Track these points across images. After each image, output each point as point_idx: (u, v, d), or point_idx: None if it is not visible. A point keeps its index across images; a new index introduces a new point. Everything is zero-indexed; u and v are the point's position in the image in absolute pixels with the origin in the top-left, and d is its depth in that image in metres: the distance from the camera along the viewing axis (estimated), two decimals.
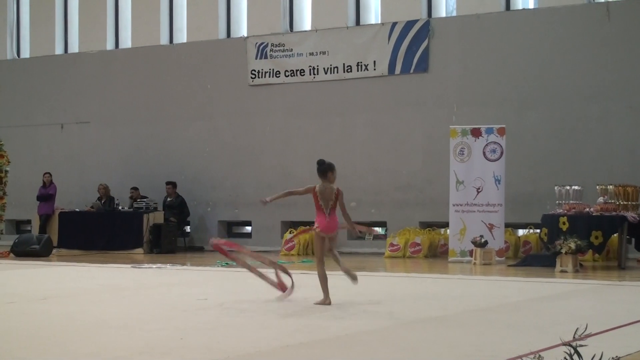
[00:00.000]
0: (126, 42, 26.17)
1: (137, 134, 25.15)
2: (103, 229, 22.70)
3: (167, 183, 23.71)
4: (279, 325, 8.74)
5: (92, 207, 23.70)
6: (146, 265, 17.53)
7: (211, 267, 17.41)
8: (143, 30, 25.71)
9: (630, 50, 19.92)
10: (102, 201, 23.69)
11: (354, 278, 10.72)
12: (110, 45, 26.25)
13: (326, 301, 10.40)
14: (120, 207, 23.38)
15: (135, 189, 23.97)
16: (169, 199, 23.66)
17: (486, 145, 18.74)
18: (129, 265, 17.63)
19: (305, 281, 14.19)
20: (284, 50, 23.37)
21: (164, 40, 25.53)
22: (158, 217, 22.73)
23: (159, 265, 17.54)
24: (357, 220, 22.06)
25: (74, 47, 26.94)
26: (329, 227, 10.65)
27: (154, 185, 23.98)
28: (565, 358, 4.77)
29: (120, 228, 22.61)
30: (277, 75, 23.42)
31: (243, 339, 7.84)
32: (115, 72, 25.66)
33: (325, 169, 10.77)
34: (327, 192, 10.66)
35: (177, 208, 23.44)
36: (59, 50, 27.06)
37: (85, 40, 26.52)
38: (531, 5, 21.53)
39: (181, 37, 25.47)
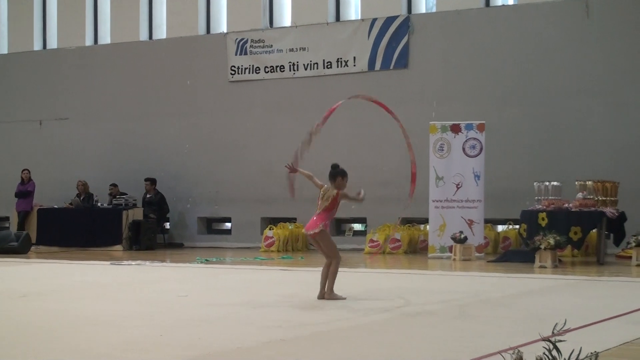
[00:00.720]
0: (105, 38, 26.09)
1: (117, 130, 25.08)
2: (82, 226, 22.64)
3: (146, 179, 23.65)
4: (260, 321, 8.73)
5: (70, 203, 23.62)
6: (125, 262, 17.48)
7: (191, 263, 17.38)
8: (122, 26, 25.63)
9: (609, 46, 19.99)
10: (81, 198, 23.62)
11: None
12: (89, 41, 26.17)
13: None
14: (99, 204, 23.31)
15: (114, 185, 23.91)
16: (148, 196, 23.60)
17: (466, 141, 18.77)
18: (108, 262, 17.57)
19: (286, 278, 14.21)
20: (263, 47, 23.35)
21: (143, 36, 25.47)
22: (137, 214, 22.69)
23: (138, 262, 17.49)
24: (337, 216, 22.20)
25: (52, 43, 26.83)
26: (309, 224, 10.67)
27: (134, 181, 23.92)
28: (544, 353, 4.79)
29: (99, 225, 22.55)
30: (257, 72, 23.41)
31: (224, 335, 7.83)
32: (95, 68, 25.56)
33: (334, 174, 11.00)
34: (328, 193, 10.75)
35: (156, 204, 23.39)
36: (37, 46, 26.95)
37: (64, 36, 26.42)
38: (511, 2, 21.57)
39: (161, 33, 25.41)
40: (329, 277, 10.49)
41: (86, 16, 26.14)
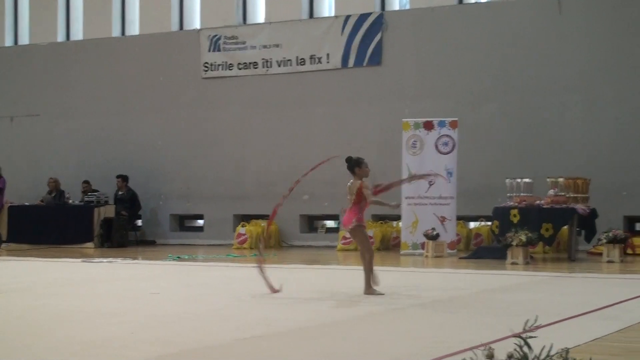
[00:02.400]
0: (77, 34, 25.97)
1: (89, 127, 24.97)
2: (53, 223, 22.52)
3: (118, 176, 23.56)
4: (234, 318, 8.72)
5: (42, 200, 23.51)
6: (97, 260, 17.40)
7: (163, 261, 17.34)
8: (95, 22, 25.52)
9: (581, 43, 20.09)
10: (52, 195, 23.51)
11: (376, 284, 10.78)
12: (61, 37, 26.04)
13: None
14: (70, 201, 23.20)
15: (86, 182, 23.81)
16: (120, 193, 23.52)
17: (438, 138, 18.81)
18: (79, 260, 17.48)
19: (258, 275, 14.16)
20: (237, 43, 23.32)
21: (116, 32, 25.37)
22: (109, 211, 22.60)
23: (110, 259, 17.41)
24: (310, 213, 22.18)
25: (24, 39, 26.69)
26: (344, 220, 10.80)
27: (106, 178, 23.82)
28: (515, 349, 4.80)
29: (70, 222, 22.44)
30: (230, 68, 23.37)
31: (197, 333, 7.82)
32: (67, 65, 25.45)
33: (351, 167, 10.87)
34: (352, 187, 10.71)
35: (128, 202, 23.32)
36: (8, 41, 26.81)
37: (36, 31, 26.30)
38: None
39: (133, 29, 25.32)
40: (364, 273, 10.64)
41: (58, 12, 26.01)
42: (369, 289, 10.54)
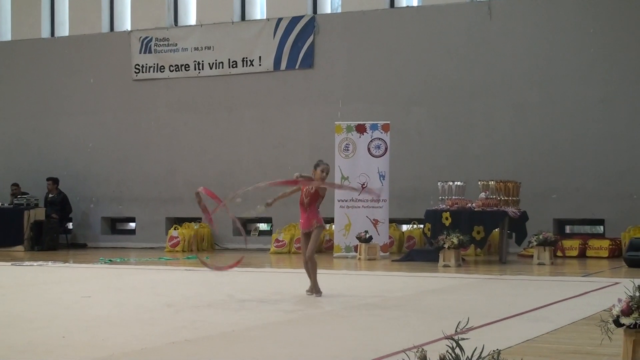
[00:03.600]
0: (6, 35, 25.61)
1: (18, 129, 24.66)
2: None
3: (48, 179, 23.30)
4: (165, 321, 8.66)
5: None
6: (27, 263, 17.20)
7: (94, 264, 17.17)
8: (24, 22, 25.19)
9: (511, 48, 20.29)
10: None
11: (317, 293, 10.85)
12: None
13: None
14: None
15: (16, 185, 23.50)
16: (50, 195, 23.26)
17: (371, 141, 18.88)
18: (9, 263, 17.27)
19: (191, 278, 14.13)
20: (168, 45, 23.19)
21: (45, 33, 25.08)
22: (39, 214, 22.33)
23: (40, 262, 17.22)
24: (243, 216, 22.14)
25: None
26: (304, 223, 10.92)
27: (36, 181, 23.55)
28: (447, 351, 4.83)
29: None
30: (162, 70, 23.23)
31: (128, 336, 7.75)
32: None
33: (315, 166, 11.03)
34: (308, 189, 10.80)
35: (58, 204, 23.07)
36: None
37: None
38: (415, 3, 21.76)
39: (63, 30, 25.05)
40: (313, 276, 10.89)
41: None
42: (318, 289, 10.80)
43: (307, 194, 10.76)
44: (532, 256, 16.80)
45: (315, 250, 11.07)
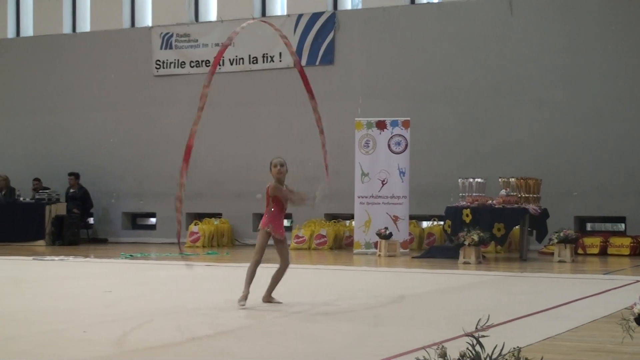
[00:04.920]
0: (28, 30, 25.72)
1: (40, 124, 24.76)
2: (3, 221, 22.29)
3: (70, 174, 23.40)
4: (185, 316, 8.68)
5: None
6: (48, 258, 17.27)
7: (115, 259, 17.23)
8: (45, 18, 25.29)
9: (532, 44, 20.22)
10: (2, 192, 23.27)
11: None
12: (11, 33, 25.78)
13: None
14: (21, 199, 22.99)
15: (37, 180, 23.61)
16: (71, 190, 23.35)
17: (391, 137, 18.86)
18: (30, 258, 17.34)
19: (212, 273, 14.14)
20: (189, 41, 23.23)
21: (66, 29, 25.17)
22: (60, 209, 22.43)
23: (61, 257, 17.29)
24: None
25: None
26: (279, 229, 10.12)
27: (57, 176, 23.64)
28: (467, 349, 4.82)
29: (21, 219, 22.23)
30: (182, 66, 23.28)
31: (148, 331, 7.78)
32: (17, 61, 25.20)
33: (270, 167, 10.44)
34: (284, 191, 10.26)
35: (79, 199, 23.16)
36: None
37: None
38: (436, 0, 21.73)
39: (84, 26, 25.13)
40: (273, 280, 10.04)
41: (8, 8, 25.74)
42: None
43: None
44: (552, 254, 16.75)
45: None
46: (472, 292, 11.44)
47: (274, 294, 9.90)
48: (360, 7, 22.38)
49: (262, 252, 9.85)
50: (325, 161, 10.95)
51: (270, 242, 9.91)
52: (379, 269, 15.51)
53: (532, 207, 16.75)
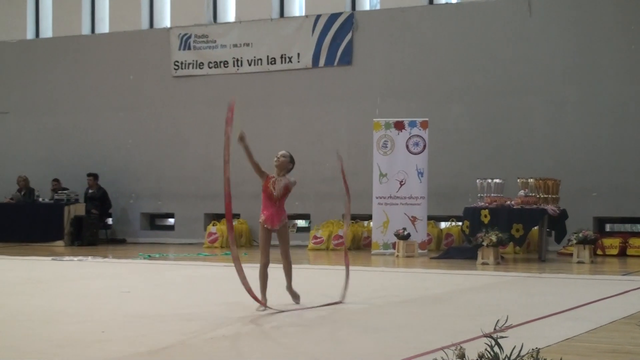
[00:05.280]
0: (47, 31, 25.81)
1: (59, 125, 24.85)
2: (23, 221, 22.40)
3: (89, 175, 23.47)
4: (203, 317, 8.68)
5: (11, 198, 23.37)
6: (67, 258, 17.32)
7: (133, 259, 17.27)
8: (64, 19, 25.38)
9: (550, 44, 20.17)
10: (22, 193, 23.37)
11: (295, 297, 9.88)
12: (30, 34, 25.88)
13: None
14: (40, 199, 23.07)
15: (56, 180, 23.69)
16: (90, 191, 23.42)
17: (409, 138, 18.84)
18: (49, 258, 17.41)
19: (230, 274, 14.13)
20: (207, 42, 23.26)
21: (85, 30, 25.24)
22: (79, 209, 22.50)
23: (80, 257, 17.35)
24: None
25: None
26: (273, 219, 9.98)
27: (76, 176, 23.72)
28: (486, 349, 4.81)
29: (40, 220, 22.32)
30: (201, 67, 23.31)
31: (166, 332, 7.78)
32: (36, 62, 25.30)
33: (292, 162, 10.51)
34: (280, 184, 10.18)
35: (98, 200, 23.22)
36: None
37: (5, 29, 26.09)
38: (454, 0, 21.68)
39: (103, 27, 25.20)
40: (287, 277, 9.92)
41: (27, 9, 25.84)
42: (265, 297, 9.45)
43: (278, 187, 10.08)
44: (571, 254, 16.70)
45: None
46: (490, 293, 11.42)
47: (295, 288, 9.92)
48: (378, 7, 22.37)
49: (265, 251, 9.72)
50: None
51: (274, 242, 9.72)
52: (397, 269, 15.49)
53: (550, 208, 16.71)
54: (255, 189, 11.54)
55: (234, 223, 21.58)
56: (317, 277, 13.60)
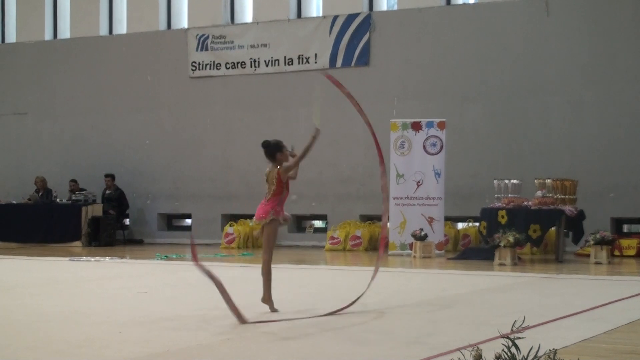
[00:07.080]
0: (65, 32, 25.89)
1: (76, 126, 24.92)
2: (40, 222, 22.46)
3: (106, 175, 23.52)
4: (220, 318, 8.69)
5: (29, 199, 23.46)
6: (84, 259, 17.37)
7: (150, 260, 17.31)
8: (82, 20, 25.45)
9: (568, 45, 20.12)
10: (40, 193, 23.46)
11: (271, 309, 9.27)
12: (48, 35, 25.96)
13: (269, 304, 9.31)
14: (58, 200, 23.14)
15: (74, 181, 23.76)
16: (107, 192, 23.48)
17: (426, 139, 18.82)
18: (66, 259, 17.46)
19: (247, 275, 14.17)
20: (224, 42, 23.29)
21: (103, 31, 25.31)
22: (97, 210, 22.55)
23: (97, 258, 17.39)
24: (297, 213, 22.12)
25: (11, 37, 26.60)
26: (259, 212, 9.50)
27: (94, 177, 23.78)
28: (503, 350, 4.80)
29: (58, 221, 22.39)
30: (218, 68, 23.34)
31: (183, 333, 7.80)
32: (54, 63, 25.38)
33: (272, 151, 9.99)
34: (270, 177, 9.80)
35: (116, 200, 23.28)
36: None
37: (23, 30, 26.20)
38: (472, 0, 21.65)
39: (121, 28, 25.26)
40: (262, 277, 9.35)
41: (45, 10, 25.92)
42: (267, 299, 9.28)
43: (271, 181, 9.73)
44: (589, 255, 16.65)
45: (270, 248, 9.39)
46: (507, 293, 11.40)
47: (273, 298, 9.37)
48: (395, 8, 22.36)
49: (265, 247, 9.41)
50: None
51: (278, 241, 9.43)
52: (414, 270, 15.48)
53: (568, 209, 16.66)
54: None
55: (250, 224, 21.63)
56: (335, 278, 13.60)
